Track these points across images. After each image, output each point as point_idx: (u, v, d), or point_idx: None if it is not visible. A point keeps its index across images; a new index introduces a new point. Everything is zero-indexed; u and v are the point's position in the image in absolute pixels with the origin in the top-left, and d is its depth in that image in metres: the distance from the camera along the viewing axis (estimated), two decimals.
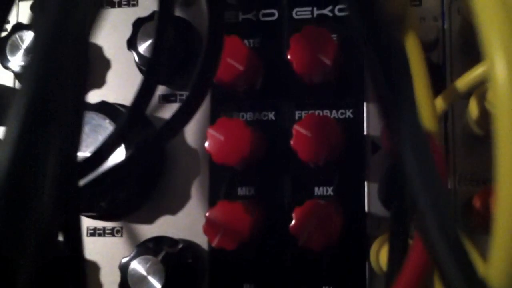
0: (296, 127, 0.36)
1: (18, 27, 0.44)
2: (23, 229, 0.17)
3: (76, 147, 0.20)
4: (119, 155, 0.36)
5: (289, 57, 0.37)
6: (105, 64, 0.45)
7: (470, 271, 0.15)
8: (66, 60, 0.14)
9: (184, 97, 0.44)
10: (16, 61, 0.44)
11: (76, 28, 0.15)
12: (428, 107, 0.28)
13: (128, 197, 0.41)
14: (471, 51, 0.38)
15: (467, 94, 0.33)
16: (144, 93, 0.29)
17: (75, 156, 0.20)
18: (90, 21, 0.17)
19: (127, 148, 0.36)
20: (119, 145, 0.30)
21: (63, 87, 0.14)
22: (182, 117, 0.29)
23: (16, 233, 0.16)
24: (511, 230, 0.17)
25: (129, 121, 0.29)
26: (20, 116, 0.14)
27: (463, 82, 0.31)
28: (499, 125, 0.17)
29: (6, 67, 0.44)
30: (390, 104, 0.18)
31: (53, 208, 0.18)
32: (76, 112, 0.18)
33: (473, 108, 0.34)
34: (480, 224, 0.33)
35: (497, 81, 0.17)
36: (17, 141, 0.14)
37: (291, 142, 0.36)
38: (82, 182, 0.29)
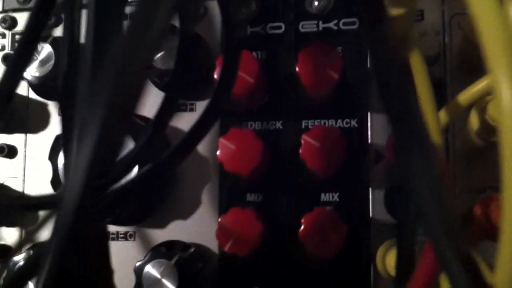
0: (305, 137, 0.38)
1: None
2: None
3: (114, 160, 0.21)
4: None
5: (297, 70, 0.39)
6: None
7: (479, 280, 0.17)
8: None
9: (193, 106, 0.46)
10: (31, 71, 0.45)
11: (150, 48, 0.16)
12: (432, 122, 0.30)
13: (142, 206, 0.43)
14: (471, 65, 0.39)
15: (470, 106, 0.35)
16: (166, 110, 0.31)
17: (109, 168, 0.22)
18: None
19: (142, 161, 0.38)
20: (140, 160, 0.32)
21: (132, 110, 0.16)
22: (199, 132, 0.31)
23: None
24: None
25: (151, 137, 0.30)
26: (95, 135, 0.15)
27: (465, 96, 0.33)
28: (504, 140, 0.18)
29: (22, 78, 0.45)
30: (399, 118, 0.20)
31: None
32: None
33: (473, 120, 0.36)
34: (480, 232, 0.35)
35: (502, 99, 0.18)
36: (88, 169, 0.15)
37: (300, 152, 0.38)
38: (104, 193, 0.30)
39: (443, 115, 0.33)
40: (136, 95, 0.15)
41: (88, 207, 0.17)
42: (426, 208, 0.18)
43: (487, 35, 0.19)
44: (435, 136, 0.29)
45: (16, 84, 0.29)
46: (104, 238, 0.27)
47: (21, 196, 0.47)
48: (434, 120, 0.30)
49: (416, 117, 0.19)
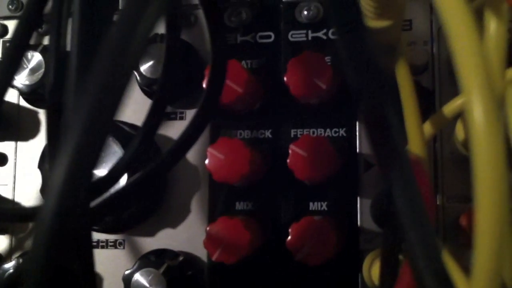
0: (292, 147, 0.38)
1: None
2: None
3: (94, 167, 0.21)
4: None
5: (285, 80, 0.39)
6: None
7: None
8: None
9: (183, 114, 0.46)
10: (21, 79, 0.45)
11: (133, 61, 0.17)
12: (416, 133, 0.30)
13: (132, 215, 0.43)
14: None
15: (455, 117, 0.35)
16: (154, 116, 0.31)
17: (91, 176, 0.22)
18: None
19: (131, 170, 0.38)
20: (130, 168, 0.32)
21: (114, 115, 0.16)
22: (188, 140, 0.31)
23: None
24: (490, 251, 0.19)
25: (140, 145, 0.30)
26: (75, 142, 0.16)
27: (451, 107, 0.33)
28: (476, 158, 0.19)
29: (12, 85, 0.46)
30: (380, 138, 0.20)
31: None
32: None
33: (460, 131, 0.36)
34: (467, 240, 0.35)
35: (474, 120, 0.19)
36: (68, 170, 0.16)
37: (288, 162, 0.38)
38: (93, 203, 0.30)
39: (428, 126, 0.33)
40: (118, 101, 0.16)
41: (69, 214, 0.17)
42: (404, 228, 0.18)
43: (461, 58, 0.19)
44: (419, 148, 0.30)
45: (4, 92, 0.29)
46: (90, 247, 0.27)
47: (12, 207, 0.47)
48: (418, 131, 0.30)
49: (394, 134, 0.19)
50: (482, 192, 0.18)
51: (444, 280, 0.17)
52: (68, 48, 0.28)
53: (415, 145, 0.30)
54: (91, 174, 0.18)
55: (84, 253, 0.27)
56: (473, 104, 0.18)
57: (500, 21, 0.24)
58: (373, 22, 0.30)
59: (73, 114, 0.16)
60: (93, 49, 0.26)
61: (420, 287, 0.18)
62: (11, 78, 0.30)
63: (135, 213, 0.44)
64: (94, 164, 0.18)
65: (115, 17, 0.34)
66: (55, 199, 0.17)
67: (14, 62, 0.29)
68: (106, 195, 0.30)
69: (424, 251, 0.17)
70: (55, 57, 0.28)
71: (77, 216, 0.19)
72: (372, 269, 0.37)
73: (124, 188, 0.31)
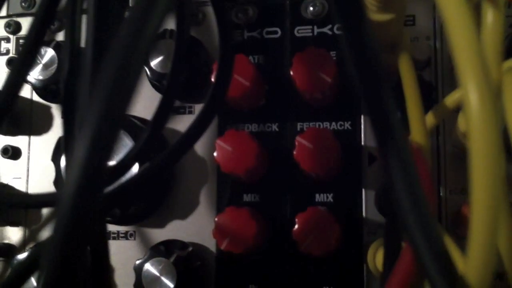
0: (298, 139, 0.39)
1: None
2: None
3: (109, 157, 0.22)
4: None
5: (291, 74, 0.40)
6: None
7: (451, 275, 0.18)
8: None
9: (192, 109, 0.47)
10: (34, 74, 0.47)
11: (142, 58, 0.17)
12: (419, 124, 0.31)
13: (141, 205, 0.44)
14: None
15: (457, 109, 0.36)
16: (163, 111, 0.32)
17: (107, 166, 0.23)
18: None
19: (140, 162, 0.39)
20: (139, 160, 0.33)
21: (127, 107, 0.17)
22: (196, 132, 0.32)
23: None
24: (485, 234, 0.20)
25: (149, 137, 0.32)
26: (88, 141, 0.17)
27: (452, 99, 0.34)
28: (473, 147, 0.19)
29: (25, 81, 0.47)
30: (381, 129, 0.21)
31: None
32: None
33: (462, 122, 0.37)
34: (468, 231, 0.36)
35: (471, 110, 0.19)
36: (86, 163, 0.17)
37: (294, 153, 0.39)
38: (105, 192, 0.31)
39: (430, 117, 0.34)
40: (131, 94, 0.17)
41: (88, 205, 0.18)
42: (402, 209, 0.19)
43: (458, 49, 0.20)
44: (421, 137, 0.30)
45: (19, 87, 0.30)
46: (104, 237, 0.28)
47: (24, 194, 0.48)
48: (421, 123, 0.31)
49: (395, 123, 0.20)
50: (478, 170, 0.19)
51: (443, 258, 0.18)
52: (82, 43, 0.29)
53: (418, 135, 0.31)
54: (106, 164, 0.19)
55: (99, 240, 0.28)
56: (469, 92, 0.19)
57: (497, 14, 0.25)
58: (375, 16, 0.31)
59: (88, 108, 0.17)
60: (106, 44, 0.27)
61: (420, 266, 0.19)
62: (26, 74, 0.31)
63: (144, 205, 0.45)
64: (109, 154, 0.19)
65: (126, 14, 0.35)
66: (75, 186, 0.18)
67: (29, 58, 0.30)
68: (115, 185, 0.31)
69: (423, 231, 0.18)
70: (70, 51, 0.29)
71: (94, 204, 0.20)
72: (377, 257, 0.38)
73: (132, 179, 0.32)
